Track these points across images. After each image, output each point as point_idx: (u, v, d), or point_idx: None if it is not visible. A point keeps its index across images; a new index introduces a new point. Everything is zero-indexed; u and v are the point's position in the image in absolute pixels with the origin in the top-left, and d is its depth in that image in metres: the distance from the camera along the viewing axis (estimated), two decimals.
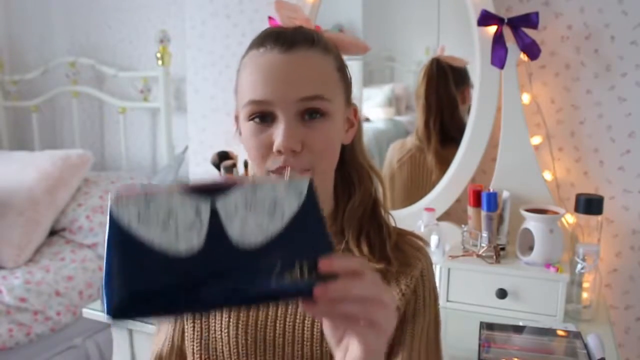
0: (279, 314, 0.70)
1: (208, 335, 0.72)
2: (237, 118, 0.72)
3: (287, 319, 0.70)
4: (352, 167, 0.75)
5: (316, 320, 0.69)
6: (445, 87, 1.49)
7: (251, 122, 0.66)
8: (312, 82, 0.65)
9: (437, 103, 1.50)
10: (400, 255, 0.73)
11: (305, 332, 0.69)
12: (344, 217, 0.73)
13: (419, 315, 0.73)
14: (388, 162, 1.60)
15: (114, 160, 2.56)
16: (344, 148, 0.72)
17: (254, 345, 0.70)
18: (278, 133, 0.63)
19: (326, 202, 0.73)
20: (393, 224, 0.76)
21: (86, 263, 1.97)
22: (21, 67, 2.64)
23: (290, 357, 0.69)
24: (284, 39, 0.65)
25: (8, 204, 1.96)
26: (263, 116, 0.65)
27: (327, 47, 0.69)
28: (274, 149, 0.64)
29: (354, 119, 0.73)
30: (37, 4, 2.61)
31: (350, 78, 0.73)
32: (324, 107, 0.65)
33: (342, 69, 0.70)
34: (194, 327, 0.73)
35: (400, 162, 1.58)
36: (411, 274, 0.72)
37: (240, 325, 0.70)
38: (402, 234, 0.76)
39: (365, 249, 0.71)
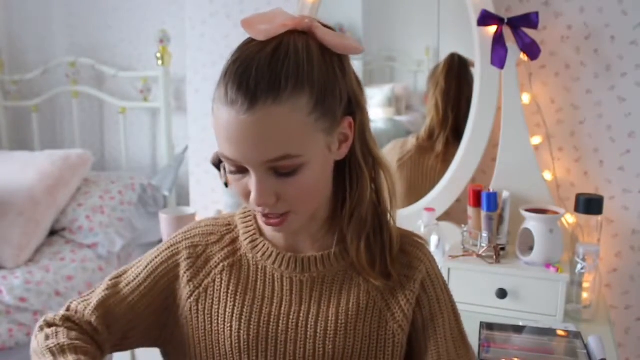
0: (282, 311, 0.71)
1: (211, 327, 0.72)
2: None
3: (291, 316, 0.70)
4: (349, 169, 0.71)
5: (320, 318, 0.69)
6: (466, 77, 1.47)
7: (229, 168, 0.65)
8: (277, 143, 0.60)
9: (457, 90, 1.49)
10: (402, 257, 0.73)
11: (308, 329, 0.69)
12: (342, 222, 0.72)
13: (437, 316, 0.73)
14: None
15: (114, 160, 2.56)
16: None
17: (256, 341, 0.70)
18: (252, 186, 0.63)
19: (321, 212, 0.72)
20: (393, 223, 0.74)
21: (86, 263, 1.96)
22: (21, 67, 2.64)
23: (292, 355, 0.69)
24: (247, 89, 0.58)
25: (8, 204, 1.96)
26: (237, 167, 0.63)
27: (299, 83, 0.60)
28: (250, 201, 0.63)
29: (349, 132, 0.67)
30: (37, 4, 2.61)
31: (331, 99, 0.63)
32: (295, 163, 0.61)
33: (320, 102, 0.61)
34: (197, 317, 0.73)
35: (400, 162, 1.58)
36: (414, 277, 0.72)
37: (243, 320, 0.70)
38: (405, 235, 0.76)
39: (364, 259, 0.70)
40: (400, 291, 0.71)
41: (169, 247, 0.77)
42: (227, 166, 0.65)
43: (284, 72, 0.59)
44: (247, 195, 0.64)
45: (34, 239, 1.96)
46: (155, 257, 0.76)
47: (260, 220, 0.68)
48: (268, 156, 0.60)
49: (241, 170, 0.63)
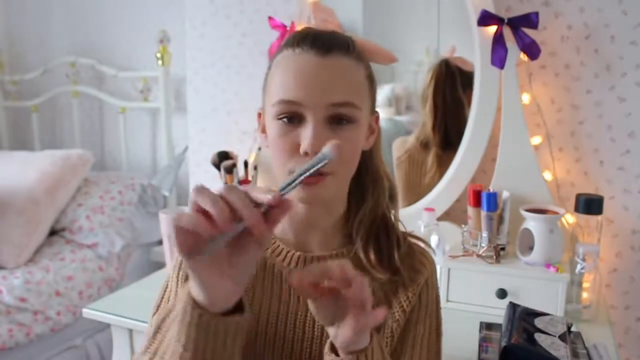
0: (290, 310, 0.71)
1: None
2: (260, 115, 0.74)
3: (298, 315, 0.71)
4: (368, 173, 0.76)
5: None
6: (451, 90, 1.49)
7: (279, 121, 0.67)
8: (344, 88, 0.65)
9: (443, 105, 1.50)
10: (408, 260, 0.74)
11: (315, 330, 0.70)
12: (354, 222, 0.74)
13: (420, 322, 0.74)
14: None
15: (114, 160, 2.56)
16: (362, 154, 0.73)
17: (264, 338, 0.71)
18: (305, 135, 0.64)
19: (339, 205, 0.74)
20: (402, 229, 0.78)
21: (86, 263, 1.96)
22: (21, 67, 2.64)
23: (298, 355, 0.70)
24: (322, 42, 0.66)
25: (8, 204, 1.96)
26: (291, 117, 0.66)
27: (360, 56, 0.69)
28: (301, 150, 0.65)
29: (375, 126, 0.74)
30: (37, 4, 2.61)
31: (376, 86, 0.74)
32: (353, 114, 0.66)
33: (370, 78, 0.71)
34: None
35: (398, 160, 1.59)
36: (418, 281, 0.74)
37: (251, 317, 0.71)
38: (410, 239, 0.78)
39: (372, 256, 0.72)
40: (402, 292, 0.73)
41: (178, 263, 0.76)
42: (279, 117, 0.66)
43: (349, 40, 0.69)
44: (294, 148, 0.65)
45: (34, 239, 1.96)
46: (177, 279, 0.75)
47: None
48: (334, 99, 0.65)
49: (295, 120, 0.66)
